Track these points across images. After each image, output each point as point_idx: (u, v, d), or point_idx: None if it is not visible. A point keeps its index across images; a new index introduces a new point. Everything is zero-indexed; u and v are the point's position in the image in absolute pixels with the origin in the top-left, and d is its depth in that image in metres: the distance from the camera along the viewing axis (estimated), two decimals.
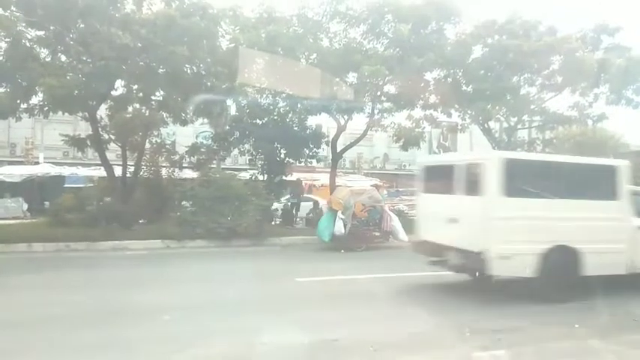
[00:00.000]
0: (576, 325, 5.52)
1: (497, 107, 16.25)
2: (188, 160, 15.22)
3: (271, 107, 15.90)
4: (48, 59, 11.74)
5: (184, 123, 13.99)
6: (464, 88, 15.42)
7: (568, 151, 22.61)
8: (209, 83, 12.81)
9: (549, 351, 4.73)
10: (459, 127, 18.66)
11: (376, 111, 15.89)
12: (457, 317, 5.72)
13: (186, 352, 4.60)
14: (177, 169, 15.03)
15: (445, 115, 17.00)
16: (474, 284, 8.12)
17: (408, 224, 13.86)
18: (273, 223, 15.51)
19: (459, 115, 17.71)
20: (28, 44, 11.38)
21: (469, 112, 16.90)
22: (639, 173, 16.47)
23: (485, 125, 17.61)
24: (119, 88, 12.88)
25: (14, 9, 10.85)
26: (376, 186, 16.33)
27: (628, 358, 4.59)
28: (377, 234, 12.55)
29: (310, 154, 16.61)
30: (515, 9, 15.30)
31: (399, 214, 15.38)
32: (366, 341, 4.84)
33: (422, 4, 13.71)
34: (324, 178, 18.62)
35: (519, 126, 17.88)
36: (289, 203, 16.88)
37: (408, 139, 15.92)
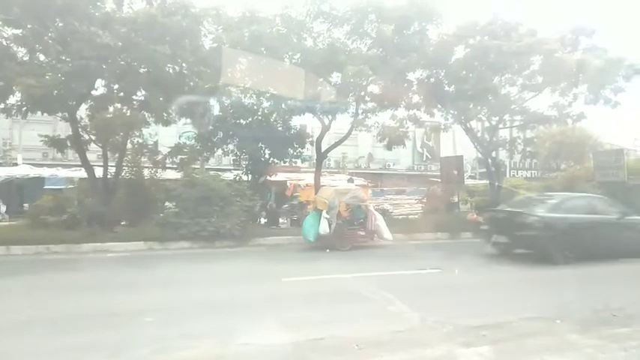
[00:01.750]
0: (558, 321, 5.62)
1: (478, 107, 16.46)
2: (171, 160, 15.04)
3: (255, 107, 15.83)
4: (26, 58, 11.52)
5: (167, 123, 13.84)
6: (446, 88, 15.59)
7: (548, 149, 23.11)
8: (192, 83, 12.73)
9: (532, 346, 4.79)
10: (442, 127, 18.86)
11: (360, 111, 15.95)
12: (442, 315, 5.77)
13: (169, 353, 4.55)
14: (159, 170, 14.85)
15: (428, 114, 17.17)
16: (459, 281, 8.22)
17: (393, 223, 14.04)
18: (258, 223, 15.45)
19: (441, 115, 17.91)
20: (4, 43, 11.15)
21: (451, 111, 17.09)
22: (616, 171, 16.86)
23: (468, 125, 17.82)
24: (99, 87, 12.70)
25: None
26: (351, 182, 16.56)
27: (608, 351, 4.67)
28: (362, 233, 12.59)
29: (295, 154, 16.60)
30: (496, 11, 15.51)
31: (384, 213, 15.52)
32: (351, 340, 4.85)
33: (405, 5, 13.79)
34: (309, 178, 18.59)
35: (500, 125, 18.15)
36: (273, 205, 16.87)
37: (392, 139, 16.05)
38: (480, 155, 20.95)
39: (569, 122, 17.61)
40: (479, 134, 19.49)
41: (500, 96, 15.87)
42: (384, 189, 25.54)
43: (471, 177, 28.29)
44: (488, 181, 18.53)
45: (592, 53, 14.80)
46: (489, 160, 18.19)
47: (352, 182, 16.57)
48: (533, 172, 30.76)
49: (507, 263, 10.39)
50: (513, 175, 28.91)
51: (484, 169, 21.21)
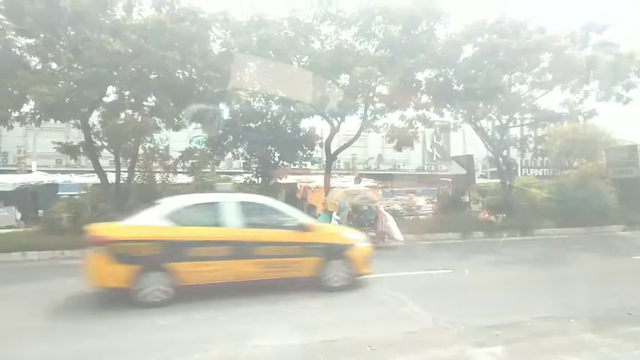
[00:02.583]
0: (572, 320, 5.57)
1: (488, 106, 16.35)
2: (182, 165, 15.16)
3: (264, 110, 15.90)
4: (38, 67, 11.70)
5: (177, 128, 13.94)
6: (455, 87, 15.52)
7: (560, 147, 22.87)
8: (201, 88, 12.82)
9: (546, 346, 4.76)
10: (452, 127, 18.76)
11: (369, 112, 15.94)
12: (454, 315, 5.75)
13: (183, 357, 4.59)
14: (171, 175, 14.97)
15: (437, 114, 17.09)
16: (470, 282, 8.19)
17: (404, 224, 14.00)
18: None
19: (451, 115, 17.81)
20: (18, 52, 11.33)
21: (461, 111, 17.00)
22: (630, 168, 16.68)
23: (478, 124, 17.71)
24: (111, 94, 12.84)
25: (3, 17, 10.81)
26: (357, 180, 16.56)
27: (624, 350, 4.62)
28: (372, 234, 12.56)
29: (304, 156, 16.63)
30: (504, 9, 15.40)
31: (395, 214, 15.48)
32: (364, 341, 4.86)
33: (412, 5, 13.78)
34: (319, 180, 18.62)
35: (511, 124, 17.99)
36: None
37: (402, 140, 16.02)
38: (490, 154, 20.80)
39: (580, 119, 17.40)
40: (489, 133, 19.35)
41: (510, 94, 15.76)
42: (395, 189, 25.44)
43: (481, 176, 28.09)
44: (499, 180, 18.38)
45: (603, 49, 14.64)
46: (500, 159, 18.05)
47: (359, 182, 16.55)
48: (545, 170, 30.43)
49: (518, 263, 10.33)
50: (525, 174, 28.63)
51: (495, 168, 21.06)
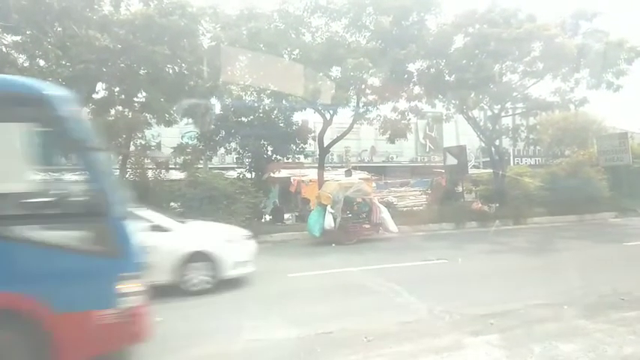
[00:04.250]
0: (565, 307, 5.62)
1: (480, 96, 16.36)
2: (174, 160, 15.06)
3: (256, 104, 15.81)
4: (26, 64, 11.55)
5: (169, 124, 13.86)
6: (447, 78, 15.50)
7: (551, 136, 22.99)
8: (192, 82, 12.75)
9: (540, 333, 4.79)
10: (444, 117, 18.77)
11: (361, 104, 15.90)
12: (449, 304, 5.78)
13: (180, 352, 4.58)
14: (163, 171, 14.88)
15: (430, 105, 17.08)
16: (465, 271, 8.24)
17: (398, 215, 14.05)
18: (263, 220, 15.49)
19: (443, 105, 17.81)
20: (4, 50, 11.18)
21: (453, 101, 17.01)
22: (621, 155, 16.81)
23: (470, 114, 17.73)
24: (100, 91, 12.74)
25: None
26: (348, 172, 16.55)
27: (617, 335, 4.67)
28: (367, 226, 12.60)
29: (297, 150, 16.59)
30: None
31: (389, 205, 15.53)
32: (360, 332, 4.87)
33: None
34: (312, 174, 18.59)
35: (503, 113, 18.03)
36: (277, 201, 16.91)
37: (394, 132, 16.01)
38: (483, 144, 20.88)
39: (571, 108, 17.47)
40: (481, 123, 19.40)
41: (502, 84, 15.77)
42: (388, 181, 25.47)
43: (474, 166, 28.16)
44: (492, 170, 18.46)
45: (593, 37, 14.69)
46: (492, 149, 18.12)
47: (350, 175, 16.54)
48: (537, 159, 30.59)
49: (511, 252, 10.41)
50: (517, 163, 28.75)
51: (488, 158, 21.13)
